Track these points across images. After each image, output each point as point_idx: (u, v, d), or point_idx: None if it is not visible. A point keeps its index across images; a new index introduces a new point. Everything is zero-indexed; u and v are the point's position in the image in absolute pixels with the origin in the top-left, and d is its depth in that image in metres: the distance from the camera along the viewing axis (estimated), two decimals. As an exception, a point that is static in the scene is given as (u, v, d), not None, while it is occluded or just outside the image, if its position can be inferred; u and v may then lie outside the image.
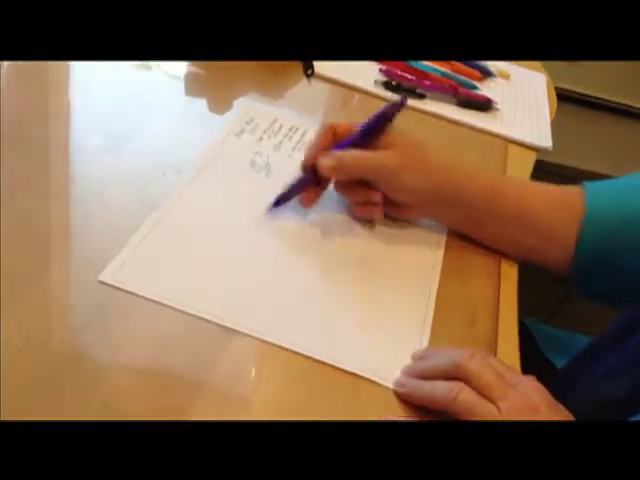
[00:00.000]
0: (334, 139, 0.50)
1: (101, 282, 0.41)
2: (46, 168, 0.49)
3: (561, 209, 0.50)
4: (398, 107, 0.50)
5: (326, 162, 0.48)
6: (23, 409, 0.34)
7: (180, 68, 0.66)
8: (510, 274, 0.53)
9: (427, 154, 0.50)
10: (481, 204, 0.50)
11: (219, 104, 0.63)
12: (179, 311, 0.41)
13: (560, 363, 0.59)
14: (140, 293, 0.41)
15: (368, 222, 0.53)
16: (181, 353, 0.40)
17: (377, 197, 0.50)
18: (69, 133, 0.54)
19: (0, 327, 0.37)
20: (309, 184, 0.50)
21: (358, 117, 0.67)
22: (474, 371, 0.37)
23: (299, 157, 0.57)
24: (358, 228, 0.52)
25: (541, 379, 0.40)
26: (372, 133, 0.50)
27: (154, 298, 0.41)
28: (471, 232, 0.52)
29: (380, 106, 0.69)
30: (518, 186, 0.51)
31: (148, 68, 0.64)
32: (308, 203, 0.51)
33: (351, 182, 0.50)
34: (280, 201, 0.50)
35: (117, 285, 0.41)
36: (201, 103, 0.62)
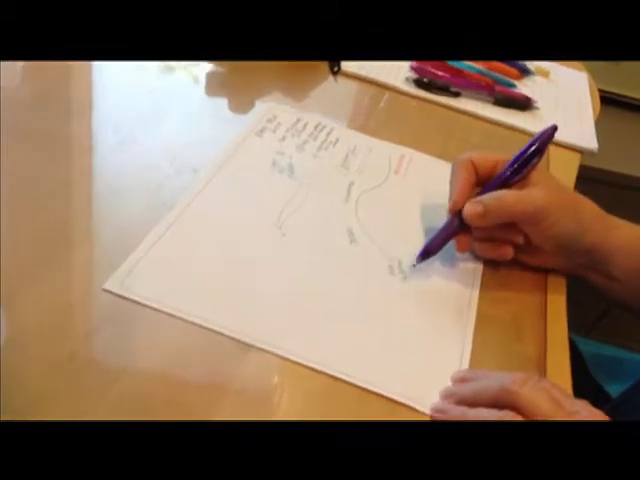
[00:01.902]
0: (476, 175, 0.46)
1: (106, 290, 0.37)
2: (55, 165, 0.46)
3: None
4: (549, 138, 0.45)
5: (473, 210, 0.43)
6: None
7: (204, 70, 0.63)
8: (558, 286, 0.48)
9: (576, 196, 0.46)
10: (621, 261, 0.46)
11: (240, 104, 0.59)
12: (192, 323, 0.37)
13: (612, 388, 0.54)
14: (148, 303, 0.37)
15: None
16: (193, 368, 0.36)
17: (520, 239, 0.45)
18: (84, 129, 0.50)
19: (0, 332, 0.34)
20: (459, 230, 0.45)
21: (389, 117, 0.64)
22: (528, 398, 0.33)
23: (325, 157, 0.54)
24: (390, 236, 0.47)
25: (592, 404, 0.35)
26: (522, 170, 0.44)
27: (164, 309, 0.37)
28: (604, 286, 0.48)
29: (412, 105, 0.66)
30: None
31: (171, 70, 0.61)
32: (462, 248, 0.46)
33: None
34: (429, 251, 0.45)
35: (124, 294, 0.37)
36: (222, 102, 0.59)
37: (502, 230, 0.45)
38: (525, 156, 0.44)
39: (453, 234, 0.45)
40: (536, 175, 0.45)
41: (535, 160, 0.44)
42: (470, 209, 0.43)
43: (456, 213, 0.45)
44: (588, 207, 0.46)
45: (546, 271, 0.48)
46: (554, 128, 0.45)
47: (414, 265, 0.45)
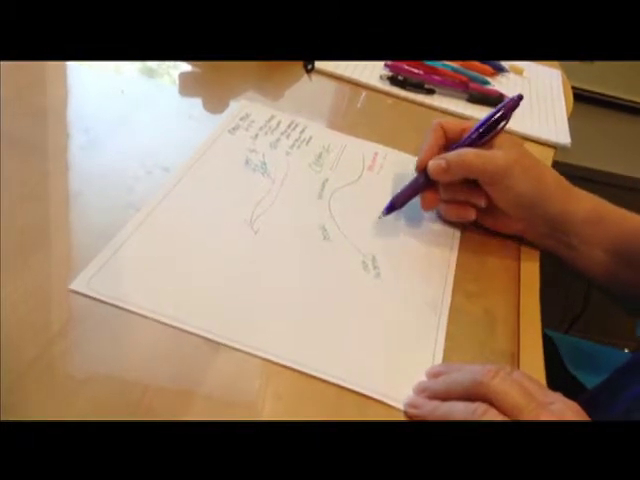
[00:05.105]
0: (445, 139, 0.48)
1: (73, 291, 0.37)
2: (22, 166, 0.45)
3: None
4: (515, 105, 0.47)
5: (436, 164, 0.46)
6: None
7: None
8: (531, 280, 0.48)
9: (540, 162, 0.48)
10: (584, 231, 0.47)
11: (214, 103, 0.59)
12: (161, 323, 0.37)
13: (588, 380, 0.54)
14: (116, 303, 0.37)
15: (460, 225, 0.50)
16: (162, 369, 0.35)
17: (482, 202, 0.47)
18: (55, 130, 0.50)
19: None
20: (424, 187, 0.47)
21: (364, 115, 0.64)
22: (499, 390, 0.32)
23: (298, 154, 0.53)
24: (364, 233, 0.47)
25: (568, 397, 0.34)
26: (488, 134, 0.47)
27: (131, 308, 0.37)
28: (564, 255, 0.49)
29: (387, 102, 0.66)
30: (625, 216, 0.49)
31: (151, 72, 0.60)
32: (427, 206, 0.48)
33: (457, 182, 0.47)
34: (394, 205, 0.48)
35: (91, 294, 0.37)
36: (195, 102, 0.58)
37: (465, 192, 0.47)
38: (491, 121, 0.47)
39: (418, 191, 0.48)
40: (501, 140, 0.47)
41: (500, 125, 0.47)
42: (434, 164, 0.46)
43: (422, 171, 0.47)
44: (552, 175, 0.48)
45: (519, 265, 0.48)
46: (520, 97, 0.48)
47: (380, 217, 0.48)
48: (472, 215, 0.48)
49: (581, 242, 0.48)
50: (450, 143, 0.48)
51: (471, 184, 0.47)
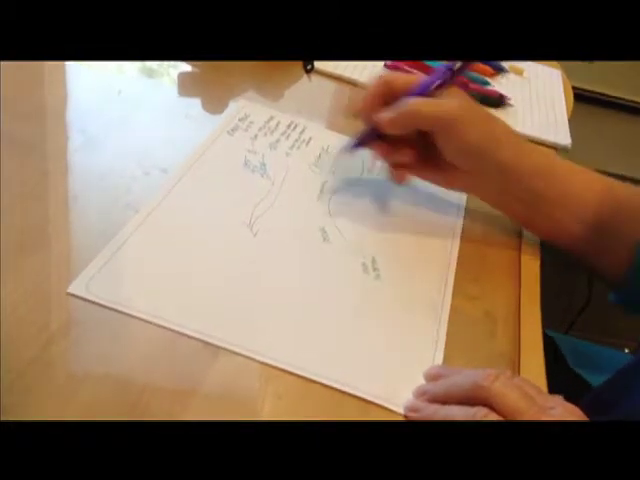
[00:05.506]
0: (392, 94, 0.46)
1: (71, 294, 0.36)
2: (21, 166, 0.45)
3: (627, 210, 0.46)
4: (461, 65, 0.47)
5: (385, 115, 0.45)
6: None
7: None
8: (532, 281, 0.48)
9: (489, 113, 0.47)
10: (536, 184, 0.46)
11: (213, 104, 0.58)
12: (160, 326, 0.37)
13: (594, 380, 0.54)
14: (114, 307, 0.36)
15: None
16: (161, 372, 0.35)
17: (411, 156, 0.46)
18: (52, 130, 0.49)
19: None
20: (373, 138, 0.47)
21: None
22: (499, 393, 0.32)
23: (297, 155, 0.53)
24: (364, 234, 0.47)
25: (572, 398, 0.34)
26: (438, 86, 0.45)
27: (130, 312, 0.37)
28: (516, 215, 0.49)
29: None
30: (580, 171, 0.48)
31: (151, 72, 0.60)
32: (378, 155, 0.48)
33: (396, 138, 0.46)
34: (356, 145, 0.49)
35: (89, 297, 0.37)
36: (194, 102, 0.58)
37: (402, 151, 0.47)
38: (437, 74, 0.46)
39: (365, 141, 0.48)
40: (450, 93, 0.46)
41: (446, 77, 0.46)
42: (382, 115, 0.45)
43: (360, 115, 0.47)
44: (502, 124, 0.47)
45: (520, 266, 0.48)
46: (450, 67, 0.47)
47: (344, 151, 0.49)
48: (406, 175, 0.48)
49: (534, 196, 0.46)
50: (397, 98, 0.46)
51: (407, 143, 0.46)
